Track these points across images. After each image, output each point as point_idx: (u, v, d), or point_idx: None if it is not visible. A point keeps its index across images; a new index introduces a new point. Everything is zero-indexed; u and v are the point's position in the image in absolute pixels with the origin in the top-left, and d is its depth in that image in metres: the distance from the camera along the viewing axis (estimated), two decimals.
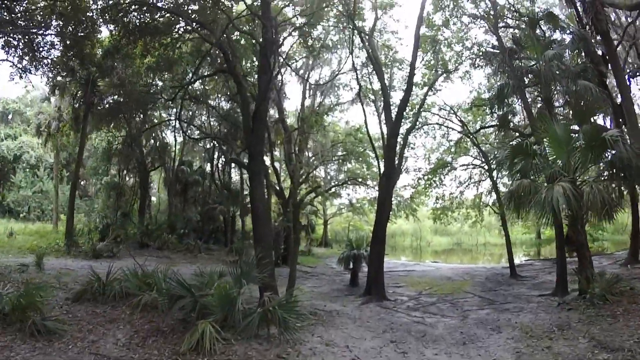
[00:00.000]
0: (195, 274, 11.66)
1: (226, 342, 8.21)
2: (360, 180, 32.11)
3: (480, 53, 21.08)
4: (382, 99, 17.78)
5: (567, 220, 13.22)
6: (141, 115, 27.86)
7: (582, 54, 18.13)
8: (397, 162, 16.58)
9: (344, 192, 36.93)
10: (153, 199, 42.95)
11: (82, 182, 40.40)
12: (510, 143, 16.03)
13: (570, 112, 16.57)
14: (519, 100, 20.83)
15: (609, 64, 19.78)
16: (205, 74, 19.60)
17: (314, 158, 31.69)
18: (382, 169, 16.42)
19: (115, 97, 24.56)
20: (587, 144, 12.06)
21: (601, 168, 13.02)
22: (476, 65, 22.25)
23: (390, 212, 32.77)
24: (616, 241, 37.82)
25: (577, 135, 12.66)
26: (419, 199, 29.79)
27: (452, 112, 23.41)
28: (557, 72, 16.39)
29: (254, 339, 8.52)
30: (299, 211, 13.80)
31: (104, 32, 19.17)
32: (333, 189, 34.44)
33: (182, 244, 25.90)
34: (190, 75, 20.50)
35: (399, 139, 18.08)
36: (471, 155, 26.27)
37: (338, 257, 18.71)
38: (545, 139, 13.28)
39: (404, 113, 22.32)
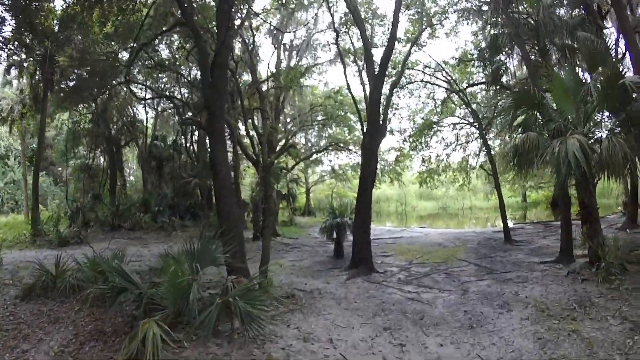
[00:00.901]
0: (161, 256, 9.83)
1: (177, 344, 6.35)
2: (342, 145, 30.21)
3: (470, 3, 19.08)
4: (364, 54, 15.59)
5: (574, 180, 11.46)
6: (107, 91, 25.40)
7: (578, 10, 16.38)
8: (381, 119, 14.59)
9: (326, 158, 35.06)
10: (131, 178, 40.70)
11: (56, 167, 38.24)
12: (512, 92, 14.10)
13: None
14: (512, 53, 18.98)
15: (607, 17, 18.04)
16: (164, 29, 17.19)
17: (292, 124, 29.61)
18: (365, 128, 14.41)
19: (78, 71, 21.98)
20: (603, 92, 10.23)
21: (615, 122, 11.24)
22: (465, 18, 20.24)
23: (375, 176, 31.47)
24: (602, 205, 36.80)
25: (587, 84, 10.83)
26: (403, 163, 28.00)
27: (439, 68, 21.37)
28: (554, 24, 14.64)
29: (212, 337, 6.62)
30: (269, 175, 11.70)
31: (57, 1, 17.02)
32: (314, 156, 32.54)
33: (156, 223, 23.98)
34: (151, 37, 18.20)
35: (383, 96, 16.14)
36: (457, 116, 24.45)
37: (320, 226, 16.82)
38: (549, 91, 11.46)
39: (388, 69, 20.50)
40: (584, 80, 11.18)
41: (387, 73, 20.01)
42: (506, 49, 17.77)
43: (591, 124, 11.15)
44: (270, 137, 23.05)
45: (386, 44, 15.14)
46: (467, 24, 21.10)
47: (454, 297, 9.83)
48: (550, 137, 10.78)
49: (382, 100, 15.30)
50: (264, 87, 26.80)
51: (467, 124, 23.29)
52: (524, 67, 19.62)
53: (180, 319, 6.99)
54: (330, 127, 31.66)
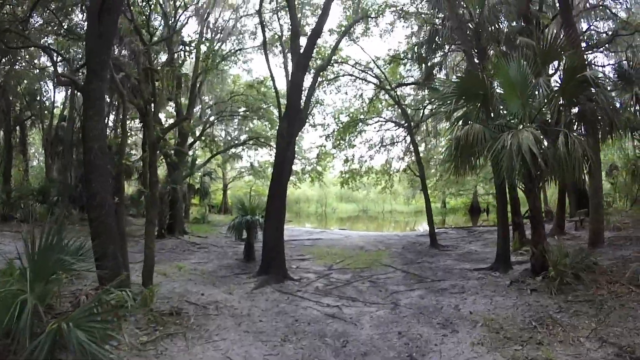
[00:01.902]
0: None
1: None
2: (262, 140, 27.77)
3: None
4: (291, 30, 13.27)
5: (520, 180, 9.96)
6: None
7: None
8: (302, 105, 12.39)
9: (246, 154, 32.42)
10: (37, 163, 35.33)
11: None
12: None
13: None
14: (450, 51, 17.63)
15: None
16: None
17: (210, 114, 26.73)
18: (283, 111, 12.13)
19: None
20: (565, 84, 8.79)
21: (567, 118, 9.86)
22: (402, 17, 18.70)
23: (295, 176, 29.21)
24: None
25: (537, 79, 9.33)
26: (325, 162, 26.06)
27: (370, 67, 19.64)
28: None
29: None
30: (155, 153, 9.10)
31: None
32: (232, 150, 29.85)
33: (53, 215, 20.20)
34: None
35: (307, 82, 14.06)
36: (384, 118, 22.86)
37: (228, 224, 14.32)
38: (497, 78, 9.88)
39: (315, 59, 18.47)
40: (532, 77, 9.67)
41: (314, 57, 18.06)
42: (445, 45, 16.36)
43: (542, 119, 9.67)
44: (183, 129, 20.17)
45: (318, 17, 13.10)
46: (403, 26, 19.67)
47: (383, 313, 7.78)
48: (497, 130, 9.17)
49: (305, 87, 13.31)
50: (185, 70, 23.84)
51: (396, 124, 21.73)
52: (460, 68, 18.58)
53: (12, 344, 4.37)
54: (251, 121, 29.15)
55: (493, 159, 8.32)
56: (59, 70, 19.58)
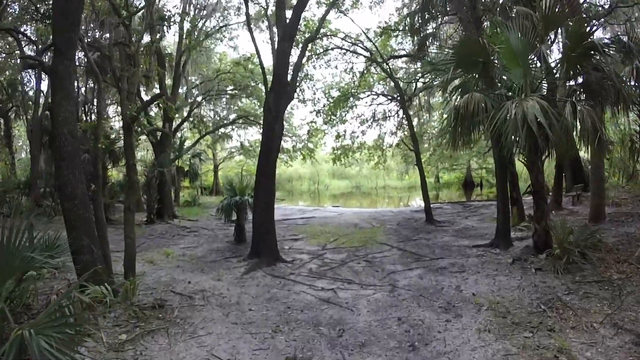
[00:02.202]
0: None
1: None
2: (252, 119, 26.98)
3: None
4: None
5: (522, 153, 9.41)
6: None
7: None
8: (289, 77, 11.67)
9: (235, 134, 31.67)
10: (24, 155, 34.23)
11: None
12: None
13: None
14: (442, 20, 16.82)
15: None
16: None
17: (197, 94, 25.84)
18: (270, 84, 11.37)
19: None
20: (570, 51, 8.16)
21: (571, 88, 9.28)
22: None
23: (286, 154, 28.54)
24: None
25: (539, 47, 8.68)
26: (316, 138, 25.35)
27: (360, 40, 18.81)
28: None
29: None
30: (131, 134, 8.42)
31: None
32: (222, 130, 29.07)
33: (40, 207, 19.47)
34: None
35: (295, 53, 13.31)
36: (375, 92, 22.11)
37: (217, 206, 13.72)
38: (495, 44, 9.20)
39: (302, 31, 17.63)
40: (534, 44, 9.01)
41: (302, 30, 17.24)
42: (438, 15, 15.56)
43: (544, 89, 9.07)
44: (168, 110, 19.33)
45: None
46: None
47: (380, 296, 7.29)
48: (498, 100, 8.56)
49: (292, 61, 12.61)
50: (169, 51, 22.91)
51: (389, 97, 20.99)
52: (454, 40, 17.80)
53: None
54: (240, 99, 28.32)
55: (495, 130, 7.73)
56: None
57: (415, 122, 25.16)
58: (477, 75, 9.20)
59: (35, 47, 10.93)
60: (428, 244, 11.70)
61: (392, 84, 19.35)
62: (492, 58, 8.78)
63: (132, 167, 8.50)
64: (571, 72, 8.71)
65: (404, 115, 18.56)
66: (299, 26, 16.56)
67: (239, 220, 12.79)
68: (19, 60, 19.99)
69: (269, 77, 11.72)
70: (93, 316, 5.47)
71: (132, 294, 6.80)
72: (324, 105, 20.29)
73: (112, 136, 20.52)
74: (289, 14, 11.80)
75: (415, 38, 17.45)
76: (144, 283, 8.01)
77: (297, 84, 20.83)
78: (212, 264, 10.34)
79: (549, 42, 9.11)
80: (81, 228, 6.79)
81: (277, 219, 17.65)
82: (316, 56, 19.81)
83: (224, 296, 7.44)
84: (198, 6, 21.65)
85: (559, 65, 8.63)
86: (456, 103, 8.58)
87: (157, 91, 20.36)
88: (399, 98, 18.27)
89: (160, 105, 18.00)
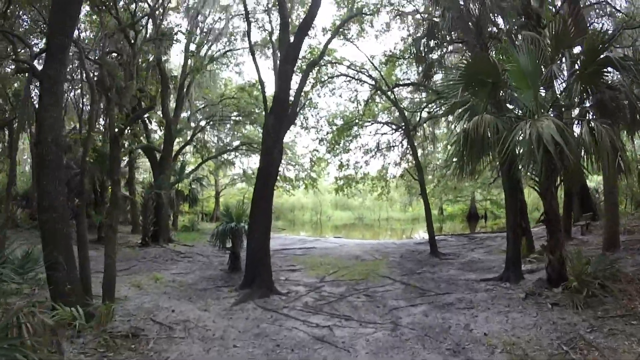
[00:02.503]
0: None
1: None
2: (255, 146, 26.53)
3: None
4: (280, 21, 12.00)
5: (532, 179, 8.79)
6: None
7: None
8: (291, 100, 11.18)
9: (238, 161, 31.17)
10: (27, 168, 33.73)
11: None
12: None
13: None
14: (449, 47, 16.43)
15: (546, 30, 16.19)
16: None
17: (200, 118, 25.47)
18: (270, 106, 10.83)
19: None
20: (583, 68, 7.64)
21: (582, 108, 8.72)
22: (397, 17, 17.61)
23: (288, 183, 27.92)
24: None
25: (549, 66, 8.18)
26: (319, 167, 24.80)
27: (365, 68, 18.52)
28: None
29: None
30: (118, 147, 7.85)
31: None
32: (224, 156, 28.57)
33: (34, 221, 18.89)
34: None
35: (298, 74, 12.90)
36: (380, 121, 21.67)
37: (212, 232, 13.04)
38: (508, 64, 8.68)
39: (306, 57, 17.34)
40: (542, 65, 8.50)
41: (306, 57, 16.95)
42: (444, 42, 15.17)
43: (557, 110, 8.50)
44: (170, 132, 18.90)
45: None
46: (399, 27, 18.68)
47: (381, 335, 6.51)
48: (509, 122, 7.97)
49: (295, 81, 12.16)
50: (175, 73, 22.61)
51: (393, 127, 20.47)
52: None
53: None
54: (243, 126, 27.95)
55: (507, 153, 7.10)
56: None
57: (419, 153, 24.60)
58: (486, 98, 8.62)
59: (30, 51, 10.64)
60: (433, 278, 10.92)
61: (397, 113, 18.91)
62: (502, 77, 8.22)
63: (116, 182, 7.95)
64: (584, 92, 8.14)
65: (409, 145, 17.99)
66: (304, 52, 16.31)
67: (234, 248, 12.11)
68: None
69: (270, 101, 11.23)
70: (57, 341, 4.80)
71: (106, 319, 6.12)
72: (327, 133, 19.78)
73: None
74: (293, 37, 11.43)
75: (420, 66, 17.02)
76: (125, 308, 7.39)
77: (301, 110, 20.52)
78: (202, 292, 9.64)
79: (559, 63, 8.55)
80: (57, 243, 6.35)
81: (275, 248, 17.05)
82: (321, 84, 19.47)
83: (208, 329, 6.71)
84: (205, 30, 21.48)
85: (570, 85, 8.05)
86: (465, 126, 7.95)
87: (158, 113, 20.02)
88: (403, 127, 17.75)
89: (154, 120, 17.58)
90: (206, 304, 8.41)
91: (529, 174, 8.44)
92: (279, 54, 13.44)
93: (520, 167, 8.38)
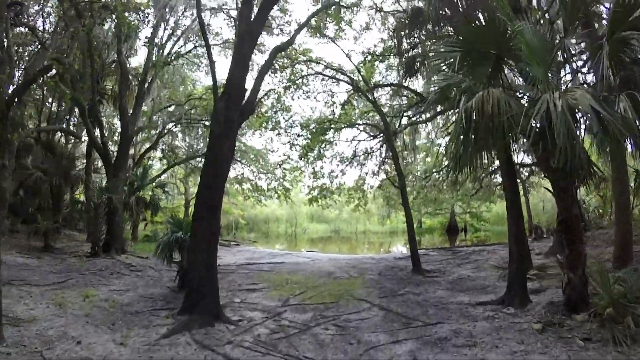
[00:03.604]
0: None
1: None
2: None
3: None
4: None
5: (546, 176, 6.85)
6: None
7: None
8: (250, 86, 9.05)
9: None
10: None
11: None
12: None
13: None
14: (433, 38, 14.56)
15: None
16: None
17: (166, 121, 23.13)
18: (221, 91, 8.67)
19: None
20: (610, 33, 5.78)
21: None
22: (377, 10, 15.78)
23: (259, 193, 25.63)
24: (497, 232, 34.44)
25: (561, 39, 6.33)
26: (292, 175, 22.68)
27: (347, 68, 16.64)
28: None
29: None
30: (4, 127, 5.58)
31: None
32: (191, 162, 26.24)
33: None
34: None
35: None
36: (357, 124, 19.70)
37: (157, 244, 10.82)
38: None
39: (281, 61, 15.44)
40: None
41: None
42: (429, 29, 13.29)
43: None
44: (128, 130, 16.62)
45: None
46: (379, 29, 16.87)
47: None
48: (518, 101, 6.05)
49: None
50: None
51: (373, 133, 18.53)
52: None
53: None
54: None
55: (528, 133, 5.15)
56: None
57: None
58: (486, 76, 6.67)
59: None
60: (418, 301, 8.87)
61: (377, 117, 17.01)
62: (510, 45, 6.28)
63: (1, 168, 5.70)
64: (610, 66, 6.26)
65: (389, 149, 16.05)
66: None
67: (182, 262, 9.91)
68: None
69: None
70: None
71: None
72: (298, 136, 17.69)
73: None
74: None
75: (401, 64, 15.14)
76: (21, 334, 5.58)
77: (273, 113, 18.45)
78: (132, 317, 7.50)
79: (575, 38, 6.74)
80: None
81: (240, 262, 14.83)
82: (295, 86, 17.45)
83: None
84: (171, 24, 19.42)
85: (594, 58, 6.17)
86: (468, 104, 5.93)
87: (116, 112, 17.78)
88: (382, 132, 15.82)
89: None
90: (127, 335, 6.22)
91: (541, 170, 6.49)
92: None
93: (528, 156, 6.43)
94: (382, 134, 18.79)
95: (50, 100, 20.80)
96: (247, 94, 8.48)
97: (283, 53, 15.94)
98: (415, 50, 14.21)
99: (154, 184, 21.11)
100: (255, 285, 10.80)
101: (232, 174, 27.18)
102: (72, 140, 22.30)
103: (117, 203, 15.82)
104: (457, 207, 33.62)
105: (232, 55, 8.67)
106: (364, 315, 7.79)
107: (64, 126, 20.87)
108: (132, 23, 14.80)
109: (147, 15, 17.50)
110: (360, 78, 15.82)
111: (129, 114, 16.89)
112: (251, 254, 18.55)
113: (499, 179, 27.48)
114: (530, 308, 7.43)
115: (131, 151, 26.74)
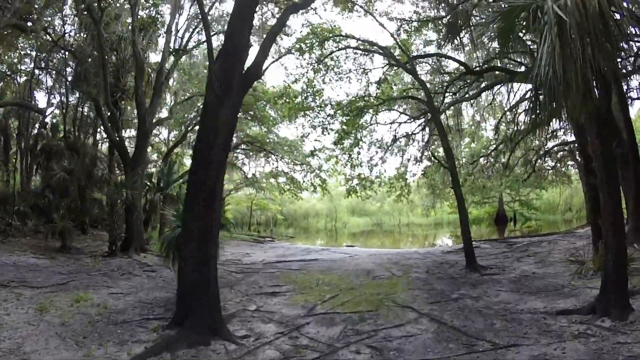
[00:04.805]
0: None
1: None
2: (258, 145, 22.78)
3: None
4: None
5: None
6: None
7: None
8: (260, 48, 7.14)
9: (248, 164, 27.41)
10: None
11: None
12: None
13: None
14: None
15: None
16: None
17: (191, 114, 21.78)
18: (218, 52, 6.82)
19: None
20: None
21: None
22: None
23: (294, 185, 23.87)
24: (549, 221, 31.43)
25: None
26: (328, 165, 20.70)
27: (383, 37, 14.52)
28: None
29: None
30: None
31: None
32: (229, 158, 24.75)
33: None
34: None
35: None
36: (397, 110, 17.56)
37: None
38: None
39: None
40: None
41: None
42: None
43: None
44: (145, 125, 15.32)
45: None
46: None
47: None
48: None
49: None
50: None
51: (413, 114, 16.38)
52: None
53: None
54: (247, 126, 24.25)
55: None
56: None
57: (440, 151, 20.35)
58: None
59: None
60: (479, 308, 6.82)
61: (421, 94, 14.81)
62: None
63: None
64: None
65: (433, 129, 13.89)
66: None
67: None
68: None
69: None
70: None
71: None
72: (329, 116, 15.65)
73: None
74: None
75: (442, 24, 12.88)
76: None
77: (303, 98, 16.51)
78: (114, 328, 6.07)
79: None
80: None
81: (269, 261, 13.10)
82: (325, 67, 15.47)
83: None
84: (190, 13, 17.98)
85: None
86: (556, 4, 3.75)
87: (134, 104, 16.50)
88: (425, 103, 13.59)
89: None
90: (89, 354, 4.63)
91: None
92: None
93: None
94: (423, 116, 16.65)
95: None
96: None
97: (311, 31, 14.25)
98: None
99: (180, 180, 19.81)
100: (278, 287, 9.03)
101: (267, 168, 25.69)
102: (99, 141, 21.49)
103: (136, 200, 14.54)
104: (505, 195, 30.85)
105: (233, 7, 6.85)
106: (409, 330, 5.85)
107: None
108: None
109: (164, 2, 16.28)
110: (398, 48, 13.67)
111: (147, 107, 15.55)
112: (284, 250, 16.87)
113: (550, 162, 24.91)
114: (634, 320, 5.31)
115: (163, 148, 25.91)
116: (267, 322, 6.37)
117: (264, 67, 6.93)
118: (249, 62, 6.79)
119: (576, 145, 13.24)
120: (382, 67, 15.55)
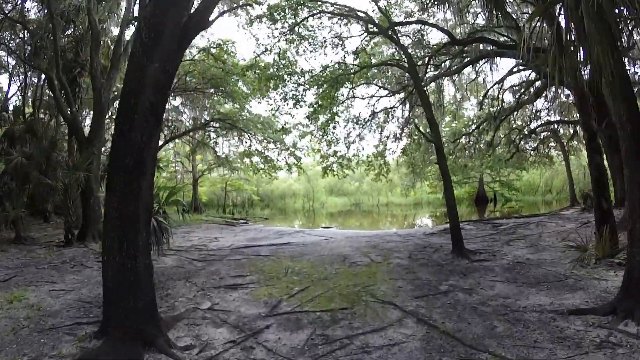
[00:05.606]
0: None
1: None
2: (229, 123, 21.30)
3: None
4: None
5: None
6: None
7: None
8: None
9: (213, 142, 25.79)
10: None
11: None
12: None
13: None
14: None
15: None
16: None
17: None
18: None
19: None
20: None
21: None
22: None
23: (270, 164, 22.55)
24: (529, 202, 30.91)
25: None
26: (303, 142, 19.47)
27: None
28: None
29: None
30: None
31: None
32: (195, 135, 23.38)
33: None
34: None
35: None
36: (375, 84, 16.31)
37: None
38: None
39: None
40: None
41: None
42: None
43: None
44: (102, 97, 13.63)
45: None
46: None
47: None
48: None
49: None
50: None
51: (391, 84, 15.16)
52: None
53: None
54: (220, 103, 22.73)
55: None
56: None
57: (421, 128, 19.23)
58: None
59: None
60: (473, 304, 5.73)
61: (398, 65, 13.54)
62: None
63: None
64: None
65: (415, 101, 12.69)
66: None
67: None
68: None
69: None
70: None
71: None
72: (299, 85, 14.24)
73: None
74: None
75: None
76: None
77: (275, 70, 15.01)
78: (38, 336, 5.03)
79: None
80: None
81: (237, 245, 11.91)
82: (299, 38, 13.99)
83: None
84: None
85: None
86: None
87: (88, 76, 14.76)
88: (408, 70, 12.29)
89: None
90: None
91: None
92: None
93: None
94: (403, 90, 15.54)
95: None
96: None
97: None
98: None
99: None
100: (241, 278, 7.80)
101: (240, 148, 24.20)
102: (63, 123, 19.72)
103: (92, 183, 13.05)
104: (485, 176, 30.21)
105: None
106: (392, 335, 4.70)
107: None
108: None
109: None
110: (379, 12, 12.37)
111: (103, 80, 13.92)
112: (255, 233, 15.63)
113: (532, 144, 24.24)
114: None
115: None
116: (220, 326, 5.16)
117: (212, 17, 5.49)
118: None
119: (579, 119, 12.18)
120: (360, 36, 14.19)
